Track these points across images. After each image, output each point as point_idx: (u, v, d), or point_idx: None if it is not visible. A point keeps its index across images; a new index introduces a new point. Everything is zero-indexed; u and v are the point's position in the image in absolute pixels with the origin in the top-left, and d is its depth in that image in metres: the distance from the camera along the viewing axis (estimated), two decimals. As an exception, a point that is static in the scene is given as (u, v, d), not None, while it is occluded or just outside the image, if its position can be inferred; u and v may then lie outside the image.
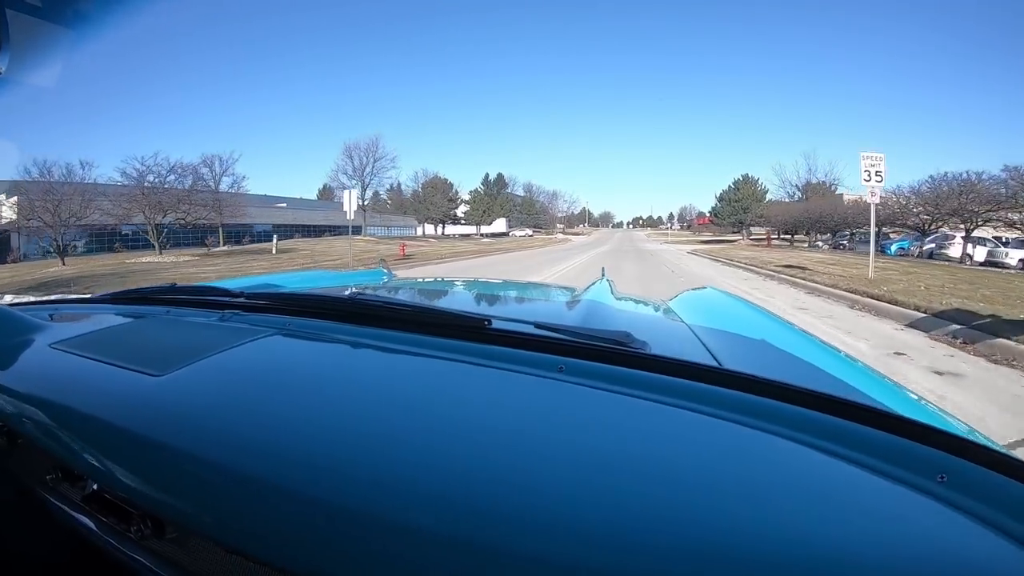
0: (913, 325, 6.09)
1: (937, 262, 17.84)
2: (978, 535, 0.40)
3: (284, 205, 49.50)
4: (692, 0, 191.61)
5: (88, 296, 1.33)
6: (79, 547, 0.68)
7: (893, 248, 23.90)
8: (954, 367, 4.31)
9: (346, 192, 14.96)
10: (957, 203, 21.32)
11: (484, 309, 1.39)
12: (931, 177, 24.16)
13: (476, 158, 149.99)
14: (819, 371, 0.87)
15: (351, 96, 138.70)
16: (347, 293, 1.20)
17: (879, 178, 10.31)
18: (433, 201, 58.67)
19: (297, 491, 0.47)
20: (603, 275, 2.24)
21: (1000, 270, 15.07)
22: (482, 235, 62.73)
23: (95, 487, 0.61)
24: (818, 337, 1.21)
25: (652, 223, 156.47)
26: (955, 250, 20.02)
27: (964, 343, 5.08)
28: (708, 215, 46.79)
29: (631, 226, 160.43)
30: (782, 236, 40.52)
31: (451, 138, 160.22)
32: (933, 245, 21.24)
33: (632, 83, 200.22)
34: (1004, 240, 19.61)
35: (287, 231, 44.87)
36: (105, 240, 29.28)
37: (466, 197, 67.37)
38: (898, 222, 25.79)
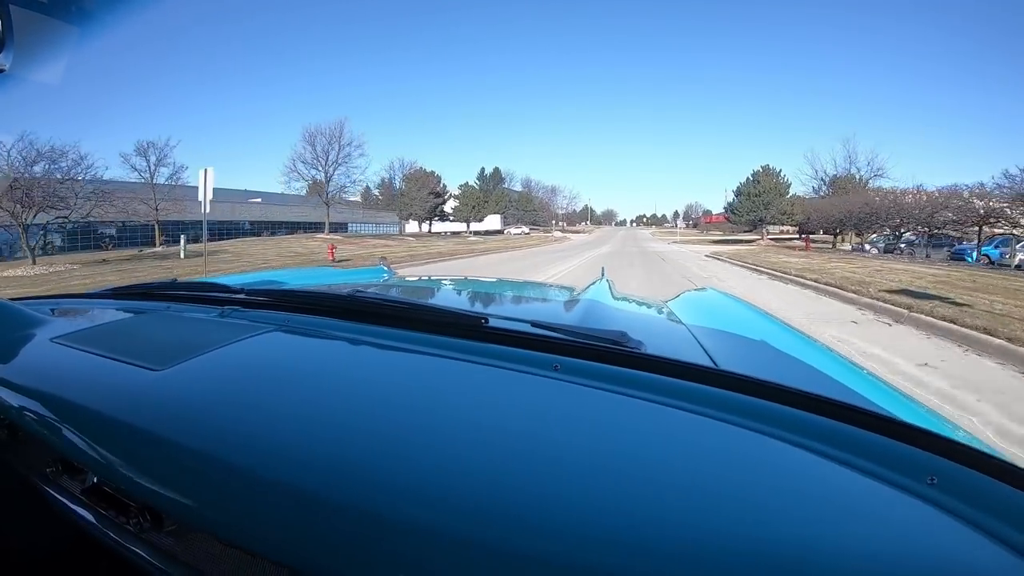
0: None
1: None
2: (966, 538, 0.40)
3: (259, 200, 45.23)
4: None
5: (90, 291, 1.35)
6: (79, 539, 0.68)
7: (975, 254, 18.85)
8: None
9: (201, 171, 10.04)
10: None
11: (482, 308, 1.37)
12: (1005, 173, 19.36)
13: (477, 155, 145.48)
14: (817, 373, 0.87)
15: (352, 92, 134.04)
16: (346, 291, 1.15)
17: None
18: (416, 195, 53.75)
19: (291, 486, 0.47)
20: (603, 275, 2.26)
21: None
22: (472, 233, 57.90)
23: (95, 480, 0.62)
24: (818, 340, 1.20)
25: (656, 221, 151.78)
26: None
27: None
28: (724, 212, 41.47)
29: (634, 224, 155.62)
30: (801, 235, 35.39)
31: (452, 135, 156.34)
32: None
33: (636, 80, 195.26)
34: None
35: (256, 228, 41.31)
36: None
37: (457, 192, 62.52)
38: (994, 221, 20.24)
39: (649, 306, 1.62)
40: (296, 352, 0.81)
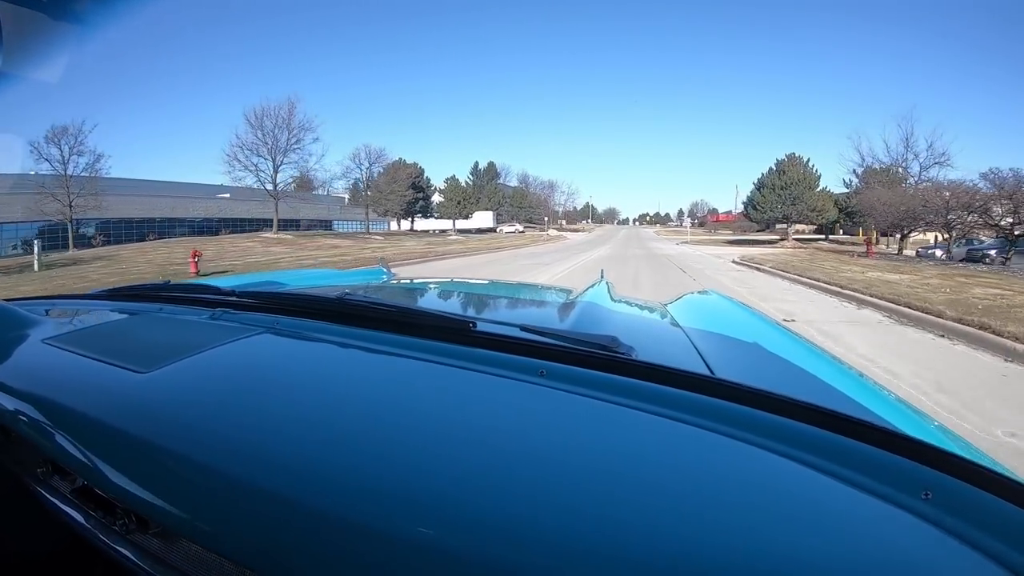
0: None
1: None
2: (960, 556, 0.39)
3: (228, 196, 40.59)
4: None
5: (86, 293, 1.34)
6: (71, 540, 0.69)
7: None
8: None
9: None
10: None
11: (473, 311, 1.36)
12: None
13: (474, 152, 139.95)
14: (816, 380, 0.87)
15: (351, 89, 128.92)
16: (336, 293, 1.14)
17: None
18: (391, 189, 48.58)
19: (266, 490, 0.47)
20: (602, 277, 2.21)
21: None
22: (457, 231, 52.72)
23: (84, 482, 0.63)
24: (820, 347, 1.19)
25: (659, 220, 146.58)
26: None
27: None
28: (745, 206, 35.88)
29: (636, 223, 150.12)
30: (836, 234, 29.90)
31: (449, 132, 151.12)
32: None
33: (639, 76, 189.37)
34: None
35: (215, 226, 36.68)
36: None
37: (443, 186, 57.34)
38: None
39: (649, 310, 1.56)
40: (283, 355, 0.81)
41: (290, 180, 32.95)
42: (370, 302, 0.99)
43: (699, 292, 1.98)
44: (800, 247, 30.55)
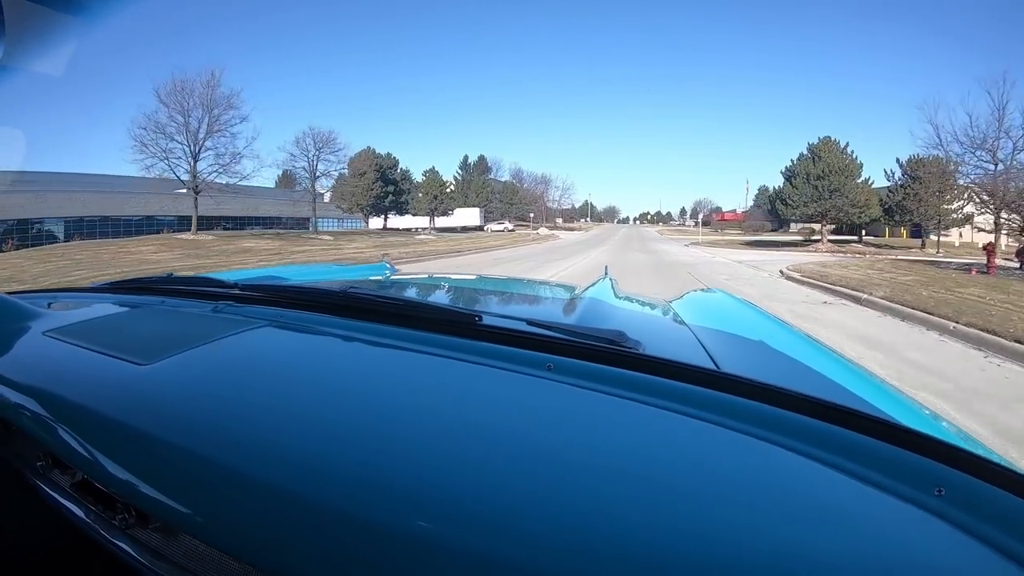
0: None
1: None
2: (974, 553, 0.38)
3: (184, 192, 34.94)
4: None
5: (87, 286, 1.33)
6: (71, 535, 0.69)
7: None
8: None
9: None
10: None
11: (478, 305, 1.37)
12: None
13: (469, 149, 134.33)
14: (823, 378, 0.85)
15: (348, 87, 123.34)
16: (340, 287, 1.13)
17: None
18: (359, 183, 43.07)
19: (268, 484, 0.46)
20: (606, 273, 2.16)
21: None
22: (435, 230, 47.16)
23: (83, 475, 0.62)
24: (826, 344, 1.18)
25: (660, 219, 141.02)
26: None
27: None
28: (771, 203, 29.50)
29: (637, 222, 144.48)
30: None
31: (444, 129, 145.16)
32: None
33: (639, 72, 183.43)
34: None
35: (164, 224, 31.75)
36: None
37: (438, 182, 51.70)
38: None
39: (652, 306, 1.56)
40: (286, 348, 0.81)
41: (225, 167, 26.98)
42: (374, 295, 1.00)
43: (703, 290, 1.95)
44: (842, 251, 24.95)
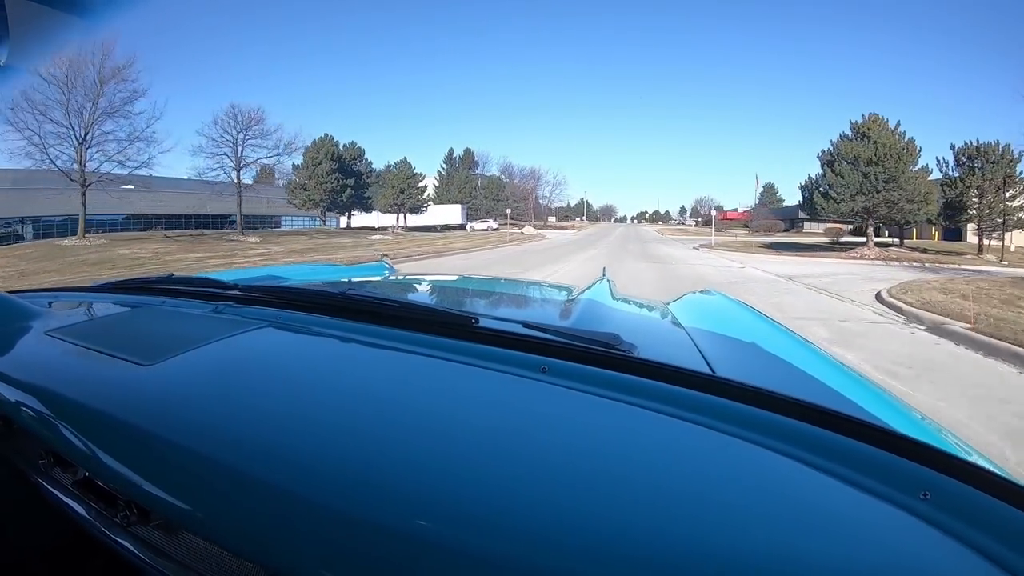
0: None
1: None
2: (958, 557, 0.38)
3: (132, 187, 29.70)
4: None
5: (88, 285, 1.34)
6: (73, 532, 0.69)
7: None
8: None
9: None
10: None
11: (475, 307, 1.37)
12: None
13: (459, 147, 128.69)
14: (818, 381, 0.87)
15: (345, 83, 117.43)
16: (338, 288, 1.15)
17: None
18: (316, 176, 37.48)
19: (267, 483, 0.47)
20: (603, 275, 2.15)
21: None
22: (405, 229, 41.61)
23: (86, 473, 0.63)
24: (823, 348, 1.19)
25: (659, 218, 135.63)
26: None
27: None
28: (804, 198, 22.88)
29: (635, 221, 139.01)
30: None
31: (441, 130, 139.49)
32: None
33: (635, 69, 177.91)
34: None
35: (101, 224, 27.25)
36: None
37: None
38: None
39: (650, 308, 1.55)
40: (285, 349, 0.82)
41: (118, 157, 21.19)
42: (372, 297, 1.00)
43: (701, 291, 1.94)
44: (895, 258, 19.39)
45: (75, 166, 20.19)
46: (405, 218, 44.33)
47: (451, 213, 51.14)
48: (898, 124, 21.53)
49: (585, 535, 0.39)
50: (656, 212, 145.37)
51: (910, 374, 4.18)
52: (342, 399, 0.64)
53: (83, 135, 20.08)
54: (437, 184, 59.40)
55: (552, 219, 77.47)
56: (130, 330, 0.90)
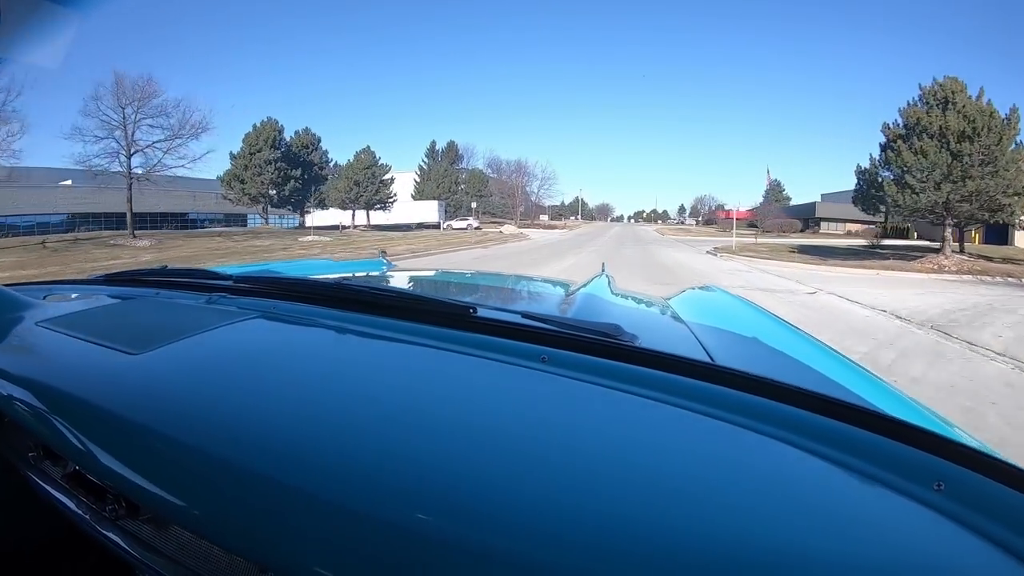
0: None
1: None
2: (974, 548, 0.38)
3: (69, 183, 28.10)
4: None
5: (83, 278, 1.35)
6: (66, 528, 0.68)
7: None
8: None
9: None
10: None
11: (474, 298, 1.35)
12: None
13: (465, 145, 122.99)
14: (822, 375, 0.85)
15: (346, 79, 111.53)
16: (334, 279, 1.12)
17: None
18: (253, 166, 31.88)
19: (252, 474, 0.46)
20: (603, 270, 2.06)
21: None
22: (368, 227, 36.02)
23: (75, 467, 0.62)
24: (826, 343, 1.18)
25: (657, 218, 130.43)
26: None
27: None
28: (862, 186, 17.00)
29: (632, 220, 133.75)
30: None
31: (429, 128, 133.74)
32: None
33: (633, 71, 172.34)
34: None
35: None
36: None
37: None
38: None
39: (650, 303, 1.53)
40: (279, 339, 0.80)
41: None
42: (368, 287, 1.00)
43: (702, 287, 1.90)
44: (987, 273, 13.79)
45: None
46: (368, 215, 38.68)
47: (427, 210, 45.53)
48: (981, 92, 15.79)
49: (587, 528, 0.38)
50: (654, 211, 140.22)
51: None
52: (336, 389, 0.62)
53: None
54: (418, 180, 53.94)
55: (544, 217, 72.01)
56: (121, 320, 0.89)
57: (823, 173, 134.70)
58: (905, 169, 15.47)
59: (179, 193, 34.96)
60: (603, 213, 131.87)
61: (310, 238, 23.41)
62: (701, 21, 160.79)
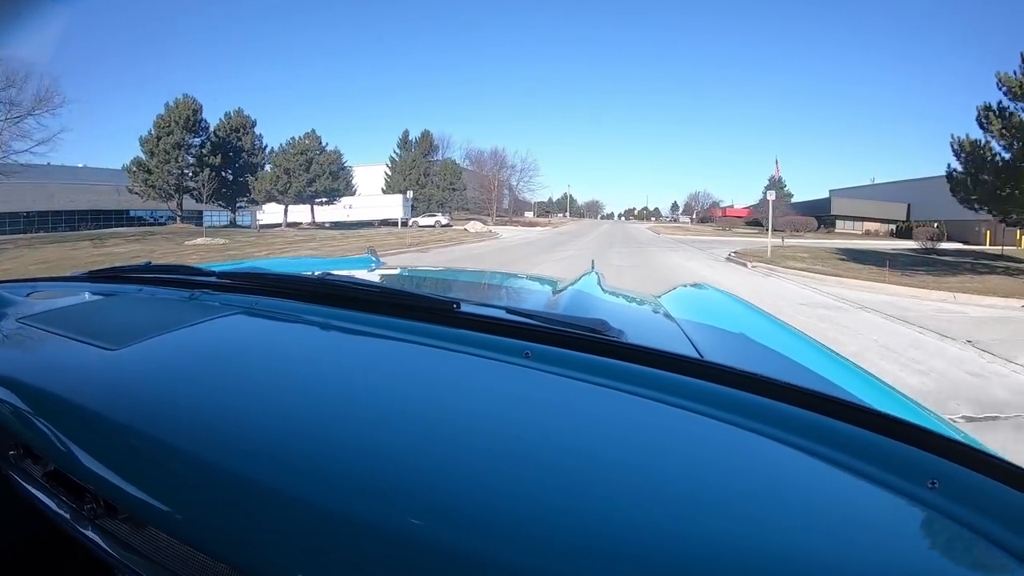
0: None
1: None
2: (970, 546, 0.37)
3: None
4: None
5: (66, 275, 1.33)
6: (43, 525, 0.67)
7: None
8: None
9: None
10: None
11: (459, 295, 1.29)
12: None
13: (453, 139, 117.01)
14: (813, 373, 0.84)
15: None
16: (318, 274, 1.11)
17: None
18: (160, 152, 26.31)
19: (228, 473, 0.45)
20: (592, 267, 2.04)
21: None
22: (312, 225, 30.42)
23: (54, 465, 0.61)
24: (818, 340, 1.17)
25: (649, 215, 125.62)
26: None
27: None
28: (976, 160, 12.44)
29: (623, 218, 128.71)
30: None
31: (422, 124, 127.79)
32: None
33: (625, 66, 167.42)
34: None
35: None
36: None
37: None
38: None
39: (640, 301, 1.49)
40: (260, 335, 0.80)
41: None
42: (351, 282, 0.98)
43: (693, 284, 1.88)
44: None
45: None
46: (312, 211, 32.94)
47: (391, 205, 39.92)
48: None
49: (570, 527, 0.37)
50: (645, 208, 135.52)
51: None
52: (318, 385, 0.61)
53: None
54: (389, 172, 48.20)
55: (529, 214, 66.54)
56: (101, 316, 0.88)
57: (824, 168, 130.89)
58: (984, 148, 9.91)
59: (103, 188, 29.44)
60: (593, 210, 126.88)
61: (200, 241, 17.71)
62: (693, 12, 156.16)
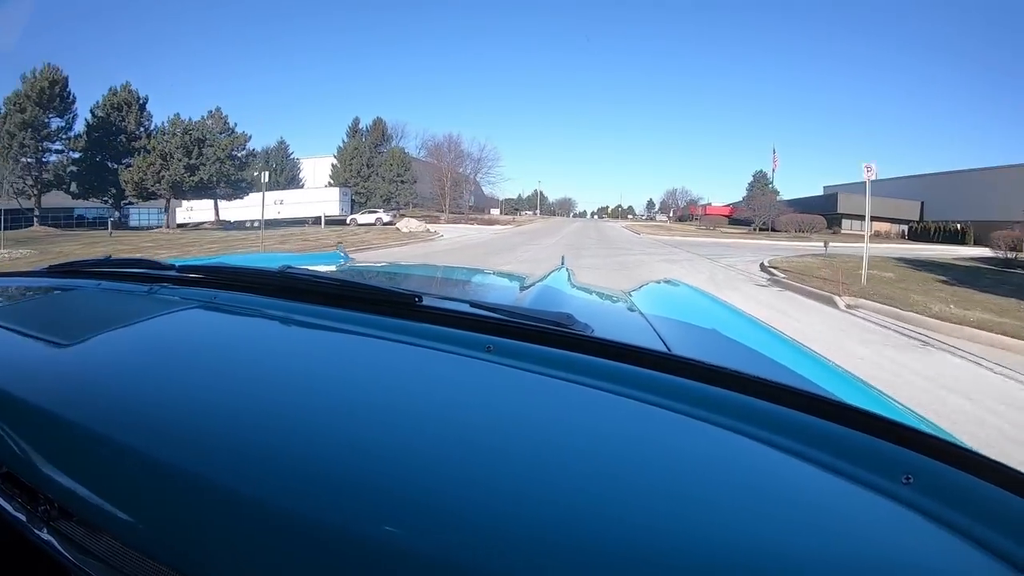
0: None
1: None
2: (944, 542, 0.37)
3: None
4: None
5: (24, 270, 1.32)
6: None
7: None
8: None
9: None
10: None
11: (425, 289, 1.28)
12: None
13: (412, 141, 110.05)
14: (784, 368, 0.84)
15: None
16: (278, 267, 1.10)
17: None
18: (4, 135, 20.02)
19: (173, 472, 0.43)
20: (562, 263, 2.08)
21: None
22: (217, 223, 24.23)
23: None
24: (789, 336, 1.18)
25: (624, 213, 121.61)
26: None
27: None
28: None
29: (596, 216, 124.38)
30: None
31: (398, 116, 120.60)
32: None
33: (600, 60, 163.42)
34: None
35: None
36: None
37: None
38: None
39: (610, 297, 1.50)
40: (219, 329, 0.79)
41: None
42: (311, 275, 0.97)
43: (664, 281, 1.90)
44: None
45: None
46: (216, 206, 26.72)
47: (327, 201, 33.85)
48: None
49: (524, 521, 0.36)
50: (619, 207, 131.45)
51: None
52: (275, 381, 0.60)
53: None
54: (336, 164, 42.00)
55: (495, 211, 61.06)
56: (54, 310, 0.87)
57: (810, 165, 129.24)
58: None
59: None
60: (565, 208, 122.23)
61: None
62: (666, 6, 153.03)
